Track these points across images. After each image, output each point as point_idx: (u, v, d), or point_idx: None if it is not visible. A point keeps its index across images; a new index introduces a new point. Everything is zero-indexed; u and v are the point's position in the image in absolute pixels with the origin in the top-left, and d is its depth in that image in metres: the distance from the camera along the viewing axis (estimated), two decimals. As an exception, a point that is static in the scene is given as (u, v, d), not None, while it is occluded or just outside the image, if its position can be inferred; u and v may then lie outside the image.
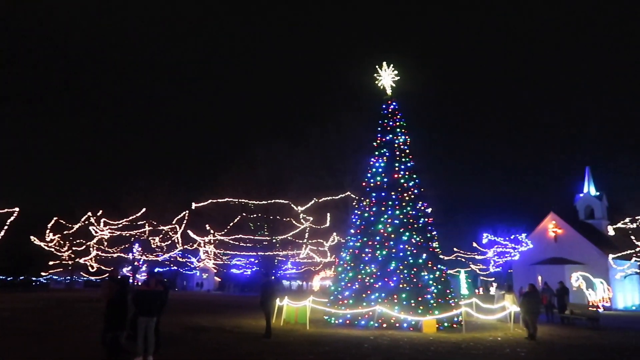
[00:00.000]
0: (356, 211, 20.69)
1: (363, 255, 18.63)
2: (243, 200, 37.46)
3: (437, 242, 19.71)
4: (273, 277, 38.01)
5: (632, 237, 34.27)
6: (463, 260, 44.72)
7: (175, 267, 52.87)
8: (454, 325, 17.35)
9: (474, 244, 42.66)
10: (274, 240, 40.12)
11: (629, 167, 37.90)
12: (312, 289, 59.89)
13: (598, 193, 43.07)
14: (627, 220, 34.62)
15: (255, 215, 39.18)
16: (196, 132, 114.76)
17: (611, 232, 37.72)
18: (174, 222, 38.14)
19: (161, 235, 39.16)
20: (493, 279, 50.64)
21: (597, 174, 44.52)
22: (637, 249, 34.23)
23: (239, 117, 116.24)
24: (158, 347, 10.77)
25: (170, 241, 39.38)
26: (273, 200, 37.50)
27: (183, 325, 17.03)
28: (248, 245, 39.10)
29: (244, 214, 38.26)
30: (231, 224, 36.47)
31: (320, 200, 35.60)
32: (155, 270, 36.65)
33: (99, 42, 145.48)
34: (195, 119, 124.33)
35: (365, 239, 18.96)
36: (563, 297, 22.26)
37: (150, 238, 38.87)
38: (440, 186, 40.05)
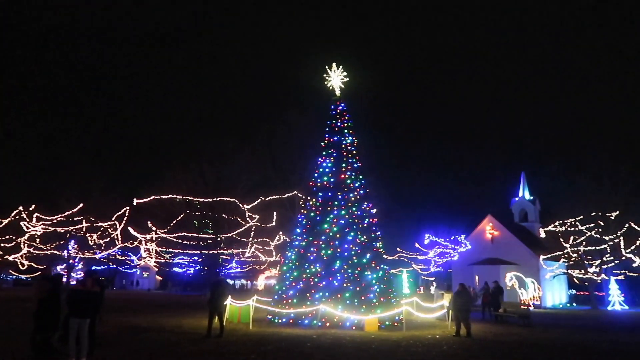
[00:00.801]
0: (302, 210, 20.77)
1: (308, 254, 18.71)
2: (188, 197, 36.68)
3: (381, 242, 20.10)
4: (223, 276, 37.50)
5: (561, 240, 36.49)
6: (405, 260, 45.92)
7: (114, 266, 50.98)
8: (395, 324, 17.76)
9: (416, 245, 43.91)
10: (219, 239, 39.56)
11: (560, 174, 40.33)
12: (256, 288, 59.51)
13: (532, 197, 45.48)
14: (557, 223, 36.83)
15: (200, 213, 38.49)
16: (140, 125, 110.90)
17: (542, 235, 39.98)
18: (113, 219, 36.78)
19: (99, 232, 37.66)
20: (434, 278, 52.27)
21: (531, 179, 47.04)
22: (565, 251, 36.47)
23: (185, 112, 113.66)
24: (92, 348, 10.34)
25: (109, 238, 37.95)
26: (219, 198, 36.96)
27: (120, 326, 16.44)
28: (192, 243, 38.33)
29: (188, 212, 37.50)
30: (174, 222, 35.64)
31: (267, 199, 35.46)
32: (92, 268, 35.23)
33: (35, 24, 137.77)
34: (139, 111, 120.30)
35: (310, 239, 19.05)
36: (497, 296, 23.32)
37: (87, 235, 37.28)
38: (385, 187, 40.96)
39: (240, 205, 35.41)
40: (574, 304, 41.40)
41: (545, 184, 44.13)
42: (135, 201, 33.02)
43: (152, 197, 34.14)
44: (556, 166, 41.15)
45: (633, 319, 27.07)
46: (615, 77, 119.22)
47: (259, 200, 35.12)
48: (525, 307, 23.89)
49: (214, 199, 36.65)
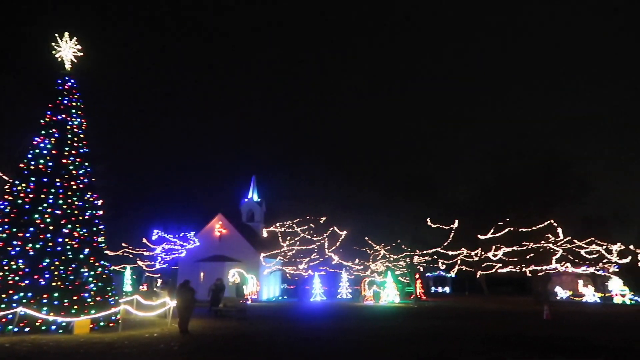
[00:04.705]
0: (7, 196, 17.53)
1: (9, 248, 15.89)
2: None
3: (103, 237, 18.57)
4: None
5: (280, 239, 40.64)
6: (130, 256, 43.58)
7: None
8: (112, 324, 16.67)
9: (144, 240, 42.23)
10: None
11: (284, 180, 45.11)
12: None
13: (259, 199, 49.37)
14: (277, 224, 40.89)
15: None
16: None
17: (265, 234, 43.77)
18: None
19: None
20: (159, 275, 51.17)
21: (261, 183, 51.00)
22: (282, 249, 40.74)
23: None
24: None
25: None
26: None
27: None
28: None
29: None
30: None
31: (-43, 179, 28.64)
32: None
33: None
34: None
35: (14, 230, 16.24)
36: (219, 292, 24.36)
37: None
38: (116, 178, 37.99)
39: None
40: (285, 297, 46.47)
41: (272, 188, 48.54)
42: None
43: None
44: (282, 172, 45.81)
45: (330, 308, 32.09)
46: (326, 96, 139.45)
47: (-54, 179, 28.08)
48: (243, 302, 25.59)
49: None
